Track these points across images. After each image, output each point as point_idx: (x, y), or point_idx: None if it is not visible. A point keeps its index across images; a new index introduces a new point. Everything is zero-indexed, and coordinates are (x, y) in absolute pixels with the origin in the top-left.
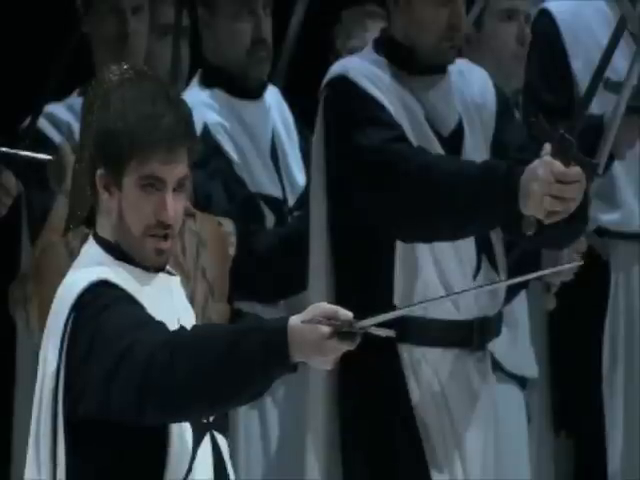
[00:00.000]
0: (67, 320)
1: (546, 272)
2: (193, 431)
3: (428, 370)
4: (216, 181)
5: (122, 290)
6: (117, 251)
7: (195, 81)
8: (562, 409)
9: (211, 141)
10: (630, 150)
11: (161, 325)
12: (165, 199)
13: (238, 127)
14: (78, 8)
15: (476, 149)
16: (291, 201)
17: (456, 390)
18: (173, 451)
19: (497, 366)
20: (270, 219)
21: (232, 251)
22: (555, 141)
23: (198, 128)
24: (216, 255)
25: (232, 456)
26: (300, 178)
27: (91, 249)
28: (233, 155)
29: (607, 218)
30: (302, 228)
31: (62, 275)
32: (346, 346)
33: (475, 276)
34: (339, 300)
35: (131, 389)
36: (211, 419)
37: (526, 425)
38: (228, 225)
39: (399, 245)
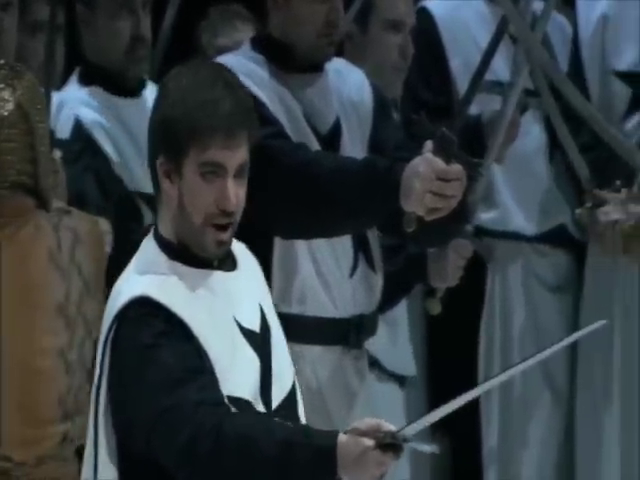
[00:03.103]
0: (110, 328)
1: (563, 344)
2: None
3: (306, 368)
4: (89, 178)
5: (166, 310)
6: (173, 249)
7: (74, 78)
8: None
9: (84, 137)
10: (508, 149)
11: (206, 384)
12: (226, 186)
13: (117, 125)
14: None
15: (354, 147)
16: None
17: (334, 389)
18: None
19: (376, 364)
20: (149, 217)
21: (108, 249)
22: (436, 139)
23: (69, 124)
24: (92, 252)
25: None
26: None
27: (148, 244)
28: (111, 153)
29: (484, 217)
30: None
31: None
32: (389, 458)
33: (352, 274)
34: None
35: (170, 455)
36: None
37: (404, 424)
38: (104, 224)
39: (277, 242)
